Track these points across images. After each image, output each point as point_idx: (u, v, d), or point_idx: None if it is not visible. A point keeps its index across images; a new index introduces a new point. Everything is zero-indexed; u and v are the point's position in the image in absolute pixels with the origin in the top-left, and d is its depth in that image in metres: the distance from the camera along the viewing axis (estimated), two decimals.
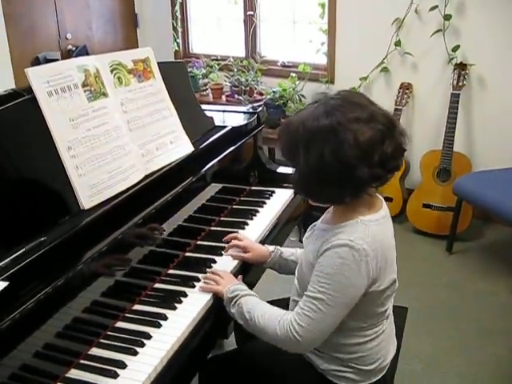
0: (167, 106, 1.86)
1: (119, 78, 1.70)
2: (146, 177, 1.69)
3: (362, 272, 1.32)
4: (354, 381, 1.50)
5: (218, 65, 4.49)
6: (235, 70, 4.33)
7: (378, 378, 1.54)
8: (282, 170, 2.41)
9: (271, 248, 1.79)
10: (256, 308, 1.48)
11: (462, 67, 3.53)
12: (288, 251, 1.78)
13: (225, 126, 2.15)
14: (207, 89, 4.52)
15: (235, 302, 1.52)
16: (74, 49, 4.32)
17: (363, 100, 1.35)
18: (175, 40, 4.79)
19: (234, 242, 1.83)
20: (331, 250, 1.33)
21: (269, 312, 1.46)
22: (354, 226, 1.36)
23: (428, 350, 2.64)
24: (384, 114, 1.34)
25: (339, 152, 1.27)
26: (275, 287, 2.78)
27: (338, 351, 1.47)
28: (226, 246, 1.84)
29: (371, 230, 1.35)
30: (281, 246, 2.13)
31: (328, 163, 1.28)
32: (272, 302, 1.58)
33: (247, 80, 4.26)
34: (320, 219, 1.52)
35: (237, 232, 1.95)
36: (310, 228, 1.56)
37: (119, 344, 1.42)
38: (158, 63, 1.87)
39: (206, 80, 4.50)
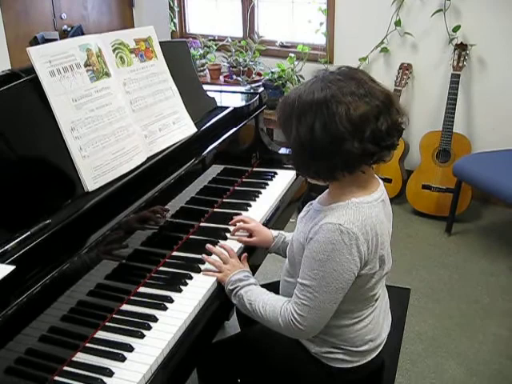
0: (170, 86, 1.83)
1: (121, 58, 1.67)
2: (149, 158, 1.67)
3: (353, 256, 1.32)
4: (347, 361, 1.50)
5: (216, 45, 4.45)
6: (233, 50, 4.29)
7: (372, 357, 1.54)
8: (283, 151, 2.39)
9: (275, 233, 1.78)
10: (257, 299, 1.49)
11: (462, 48, 3.50)
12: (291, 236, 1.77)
13: (227, 107, 2.12)
14: (205, 69, 4.48)
15: (235, 294, 1.53)
16: (69, 29, 4.26)
17: (363, 76, 1.34)
18: (172, 20, 4.73)
19: (241, 224, 1.82)
20: (321, 235, 1.32)
21: (269, 303, 1.47)
22: (344, 207, 1.34)
23: (429, 331, 2.65)
24: (383, 91, 1.32)
25: (329, 125, 1.26)
26: (269, 267, 2.79)
27: (326, 333, 1.47)
28: (232, 228, 1.83)
29: (362, 213, 1.34)
30: (283, 227, 2.13)
31: (318, 135, 1.27)
32: (266, 286, 1.57)
33: (245, 60, 4.23)
34: (317, 198, 1.51)
35: (240, 214, 1.94)
36: (307, 206, 1.54)
37: (126, 327, 1.41)
38: (160, 43, 1.84)
39: (203, 60, 4.46)
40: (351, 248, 1.31)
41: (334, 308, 1.39)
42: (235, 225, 1.84)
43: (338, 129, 1.25)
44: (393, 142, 1.33)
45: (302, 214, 1.53)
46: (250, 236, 1.80)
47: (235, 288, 1.53)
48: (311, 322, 1.39)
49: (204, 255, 1.68)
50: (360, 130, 1.26)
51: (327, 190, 1.47)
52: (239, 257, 1.69)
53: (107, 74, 1.59)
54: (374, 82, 1.34)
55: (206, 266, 1.65)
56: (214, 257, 1.68)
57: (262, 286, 1.58)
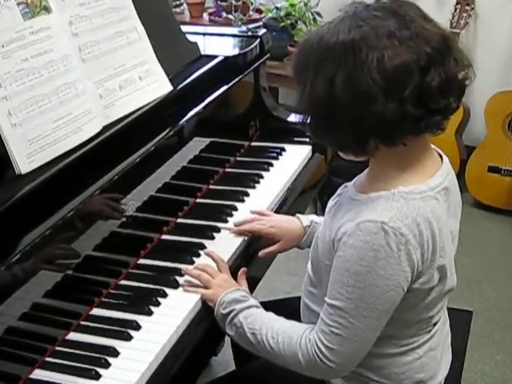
0: (134, 26, 1.84)
1: None
2: (106, 127, 1.67)
3: (403, 266, 1.32)
4: None
5: None
6: None
7: None
8: (294, 118, 2.40)
9: (305, 221, 1.79)
10: (263, 328, 1.49)
11: None
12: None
13: (215, 56, 2.13)
14: (182, 4, 4.48)
15: (231, 321, 1.53)
16: None
17: (410, 11, 1.32)
18: None
19: (254, 225, 1.83)
20: (357, 238, 1.32)
21: (282, 333, 1.47)
22: (389, 199, 1.35)
23: (496, 370, 2.68)
24: (438, 33, 1.32)
25: (355, 77, 1.26)
26: (274, 282, 2.80)
27: (361, 365, 1.47)
28: (239, 228, 1.85)
29: (412, 207, 1.34)
30: None
31: (339, 91, 1.27)
32: (275, 304, 1.58)
33: None
34: (353, 180, 1.51)
35: (233, 206, 1.96)
36: (340, 189, 1.55)
37: (74, 364, 1.42)
38: None
39: None
40: (400, 255, 1.31)
41: (375, 337, 1.40)
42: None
43: (366, 83, 1.25)
44: (448, 103, 1.32)
45: (331, 202, 1.54)
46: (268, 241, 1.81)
47: (230, 312, 1.53)
48: (344, 357, 1.39)
49: (184, 266, 1.69)
50: (398, 85, 1.26)
51: (366, 171, 1.48)
52: (235, 272, 1.70)
53: (47, 9, 1.59)
54: (425, 20, 1.33)
55: (186, 278, 1.66)
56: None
57: (267, 304, 1.59)
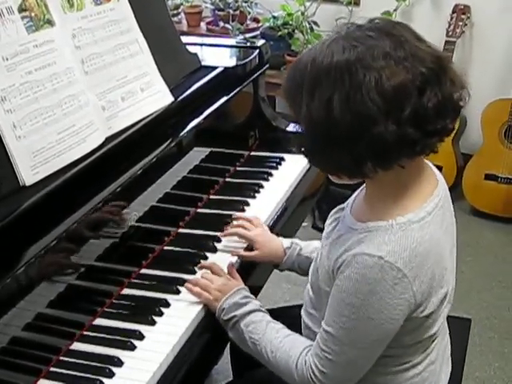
0: (136, 38, 1.85)
1: (69, 0, 1.68)
2: (108, 139, 1.68)
3: (398, 299, 1.32)
4: None
5: None
6: None
7: None
8: (293, 128, 2.41)
9: (286, 243, 1.80)
10: (263, 340, 1.51)
11: None
12: (310, 246, 1.78)
13: (215, 67, 2.14)
14: (179, 13, 4.48)
15: (233, 327, 1.56)
16: None
17: (404, 32, 1.32)
18: None
19: (238, 230, 1.84)
20: (354, 270, 1.32)
21: (281, 348, 1.49)
22: (387, 232, 1.34)
23: (495, 377, 2.68)
24: (432, 53, 1.31)
25: (353, 99, 1.24)
26: (275, 290, 2.80)
27: (364, 381, 1.47)
28: (225, 232, 1.86)
29: (411, 238, 1.33)
30: (294, 234, 2.15)
31: (337, 114, 1.26)
32: (276, 313, 1.59)
33: (237, 1, 4.23)
34: (350, 202, 1.51)
35: (233, 215, 1.97)
36: (334, 212, 1.55)
37: (78, 374, 1.43)
38: None
39: (177, 1, 4.46)
40: (395, 289, 1.31)
41: (369, 365, 1.41)
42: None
43: (365, 104, 1.24)
44: (444, 124, 1.32)
45: (327, 227, 1.54)
46: (251, 248, 1.82)
47: (231, 319, 1.55)
48: (336, 381, 1.41)
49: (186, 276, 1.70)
50: (397, 106, 1.25)
51: (362, 193, 1.48)
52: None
53: (50, 23, 1.60)
54: (419, 41, 1.32)
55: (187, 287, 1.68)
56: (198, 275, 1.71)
57: (274, 311, 1.62)
